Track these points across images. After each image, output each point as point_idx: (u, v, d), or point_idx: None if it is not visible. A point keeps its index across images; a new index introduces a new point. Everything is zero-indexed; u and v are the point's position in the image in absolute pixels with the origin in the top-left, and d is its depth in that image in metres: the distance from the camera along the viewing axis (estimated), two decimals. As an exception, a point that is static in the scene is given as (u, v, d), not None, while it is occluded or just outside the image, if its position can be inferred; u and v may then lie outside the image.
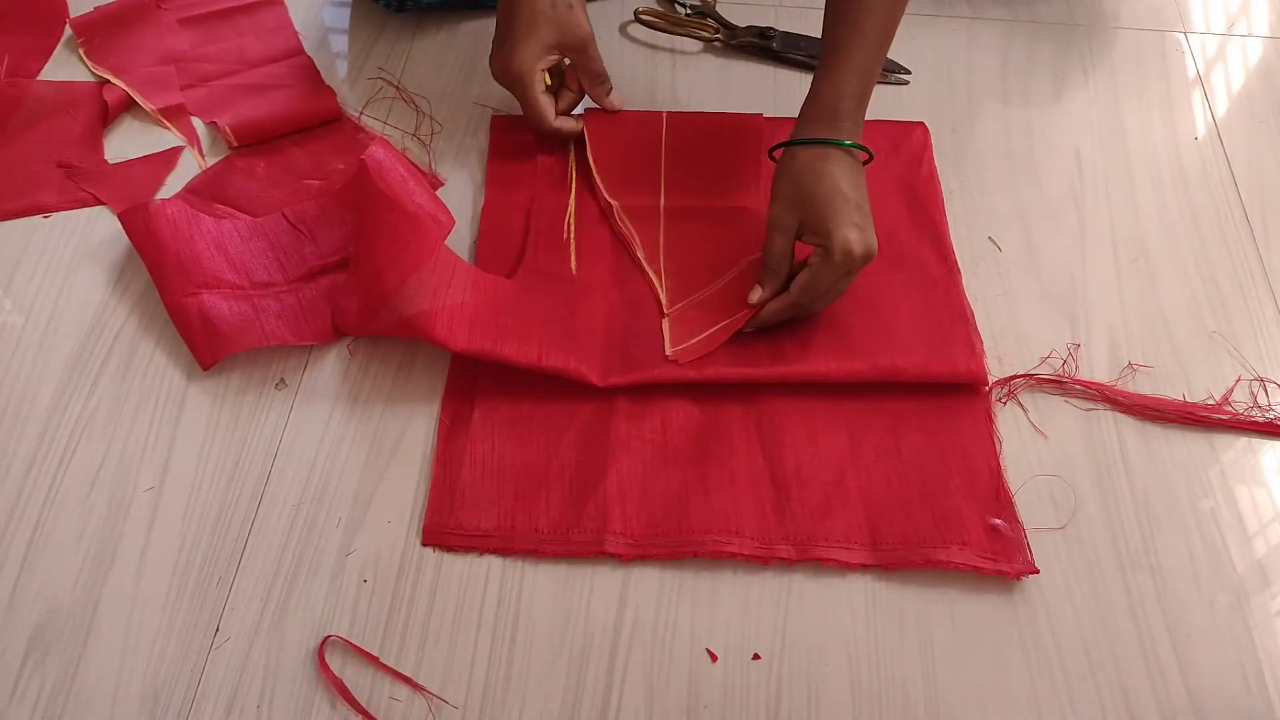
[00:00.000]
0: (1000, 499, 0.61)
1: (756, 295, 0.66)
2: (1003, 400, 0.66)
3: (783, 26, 0.89)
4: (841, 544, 0.59)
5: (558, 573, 0.59)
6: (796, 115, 0.67)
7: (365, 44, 0.88)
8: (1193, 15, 0.95)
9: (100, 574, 0.58)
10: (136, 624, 0.56)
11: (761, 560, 0.59)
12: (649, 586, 0.58)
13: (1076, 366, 0.68)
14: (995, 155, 0.82)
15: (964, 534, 0.59)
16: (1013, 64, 0.89)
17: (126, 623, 0.56)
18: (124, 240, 0.71)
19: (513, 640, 0.56)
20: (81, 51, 0.85)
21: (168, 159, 0.78)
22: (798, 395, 0.65)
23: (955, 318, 0.69)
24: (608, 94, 0.78)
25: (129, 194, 0.75)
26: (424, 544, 0.60)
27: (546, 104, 0.75)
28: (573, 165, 0.78)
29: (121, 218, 0.70)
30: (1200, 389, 0.68)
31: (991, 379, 0.67)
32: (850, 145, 0.65)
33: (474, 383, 0.66)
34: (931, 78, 0.88)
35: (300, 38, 0.88)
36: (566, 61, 0.76)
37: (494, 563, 0.59)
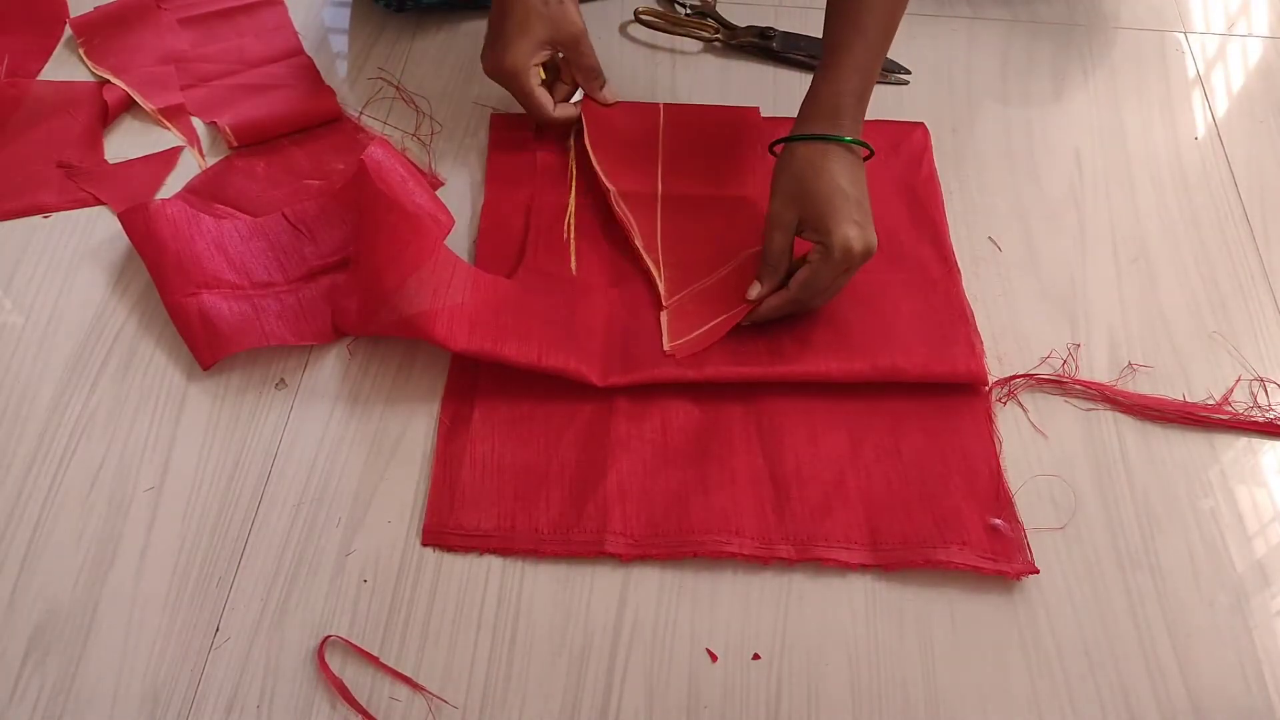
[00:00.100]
0: (1000, 499, 0.61)
1: (755, 291, 0.66)
2: (1003, 400, 0.66)
3: (783, 26, 0.89)
4: (841, 544, 0.59)
5: (558, 573, 0.59)
6: (796, 115, 0.67)
7: (365, 44, 0.88)
8: (1193, 15, 0.95)
9: (100, 574, 0.58)
10: (136, 624, 0.56)
11: (761, 560, 0.59)
12: (649, 586, 0.58)
13: (1076, 366, 0.68)
14: (995, 155, 0.82)
15: (964, 534, 0.59)
16: (1013, 64, 0.89)
17: (126, 623, 0.56)
18: (124, 240, 0.71)
19: (513, 640, 0.56)
20: (81, 51, 0.85)
21: (168, 159, 0.78)
22: (798, 395, 0.65)
23: (955, 318, 0.69)
24: (602, 88, 0.79)
25: (129, 194, 0.75)
26: (424, 544, 0.60)
27: (544, 95, 0.76)
28: (573, 165, 0.78)
29: (121, 218, 0.70)
30: (1200, 389, 0.68)
31: (991, 379, 0.67)
32: (851, 141, 0.65)
33: (474, 383, 0.66)
34: (931, 78, 0.88)
35: (300, 38, 0.88)
36: (559, 55, 0.76)
37: (494, 563, 0.59)
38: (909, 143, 0.81)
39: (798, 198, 0.65)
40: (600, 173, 0.75)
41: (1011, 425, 0.65)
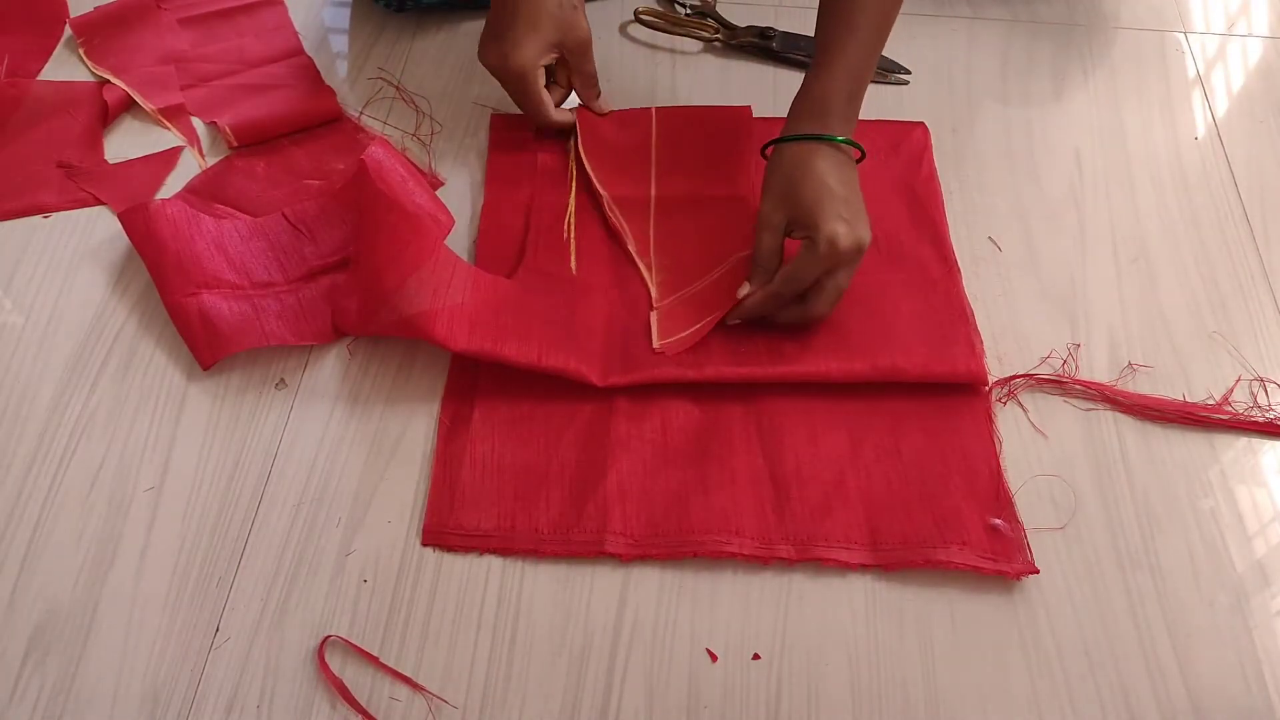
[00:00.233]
0: (1000, 499, 0.61)
1: (744, 291, 0.66)
2: (1003, 400, 0.66)
3: (783, 26, 0.89)
4: (841, 544, 0.59)
5: (558, 573, 0.59)
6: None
7: (365, 44, 0.88)
8: (1193, 15, 0.95)
9: (100, 574, 0.58)
10: (136, 624, 0.56)
11: (761, 560, 0.59)
12: (649, 586, 0.58)
13: (1076, 366, 0.68)
14: (995, 155, 0.82)
15: (964, 534, 0.59)
16: (1013, 64, 0.89)
17: (126, 623, 0.56)
18: (124, 240, 0.71)
19: (513, 640, 0.56)
20: (81, 51, 0.85)
21: (168, 159, 0.78)
22: (798, 395, 0.65)
23: (955, 318, 0.69)
24: (596, 98, 0.79)
25: (129, 194, 0.76)
26: (424, 544, 0.60)
27: (548, 98, 0.76)
28: (573, 164, 0.78)
29: (121, 218, 0.70)
30: (1200, 389, 0.68)
31: (991, 379, 0.67)
32: (841, 141, 0.65)
33: (474, 383, 0.66)
34: (931, 78, 0.87)
35: (300, 38, 0.88)
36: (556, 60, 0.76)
37: (494, 563, 0.59)
38: (909, 142, 0.81)
39: (786, 198, 0.65)
40: (594, 180, 0.75)
41: (1011, 425, 0.65)
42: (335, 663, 0.55)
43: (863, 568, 0.59)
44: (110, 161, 0.78)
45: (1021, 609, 0.58)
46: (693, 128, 0.79)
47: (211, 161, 0.78)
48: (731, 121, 0.80)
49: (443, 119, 0.82)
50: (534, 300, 0.68)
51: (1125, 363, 0.69)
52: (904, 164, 0.79)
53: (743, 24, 0.89)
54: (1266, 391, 0.68)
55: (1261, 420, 0.66)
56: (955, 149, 0.82)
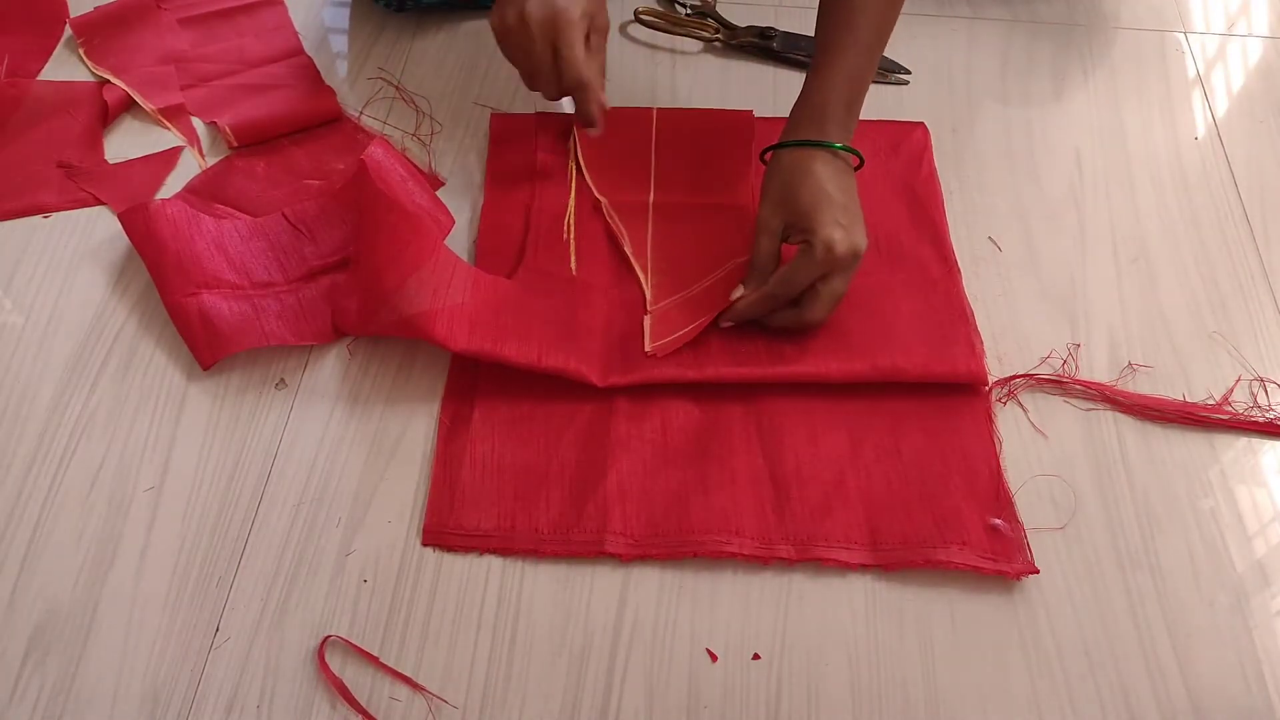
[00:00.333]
0: (1000, 499, 0.61)
1: (739, 293, 0.66)
2: (1003, 400, 0.66)
3: (783, 26, 0.89)
4: (841, 544, 0.59)
5: (558, 573, 0.59)
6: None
7: (365, 44, 0.88)
8: (1193, 15, 0.95)
9: (100, 574, 0.58)
10: (136, 624, 0.56)
11: (761, 560, 0.59)
12: (649, 586, 0.58)
13: (1076, 366, 0.68)
14: (995, 155, 0.82)
15: (964, 534, 0.59)
16: (1013, 64, 0.89)
17: (126, 623, 0.56)
18: (124, 240, 0.71)
19: (513, 640, 0.56)
20: (81, 51, 0.85)
21: (168, 159, 0.78)
22: (798, 395, 0.65)
23: (955, 318, 0.69)
24: (601, 89, 0.76)
25: (129, 194, 0.76)
26: (424, 544, 0.60)
27: (585, 52, 0.69)
28: (572, 164, 0.78)
29: (121, 218, 0.70)
30: (1200, 389, 0.68)
31: (991, 379, 0.67)
32: (840, 148, 0.65)
33: (474, 383, 0.66)
34: (931, 78, 0.87)
35: (300, 38, 0.88)
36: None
37: (494, 563, 0.59)
38: (909, 143, 0.81)
39: (783, 203, 0.65)
40: (592, 185, 0.75)
41: (1011, 425, 0.65)
42: (335, 663, 0.55)
43: (863, 568, 0.59)
44: (110, 161, 0.78)
45: (1021, 609, 0.58)
46: (694, 132, 0.79)
47: (211, 161, 0.78)
48: (732, 127, 0.79)
49: (443, 119, 0.82)
50: (534, 300, 0.68)
51: (1125, 363, 0.69)
52: (904, 164, 0.79)
53: (743, 24, 0.89)
54: (1266, 391, 0.68)
55: (1261, 420, 0.66)
56: (955, 149, 0.82)
